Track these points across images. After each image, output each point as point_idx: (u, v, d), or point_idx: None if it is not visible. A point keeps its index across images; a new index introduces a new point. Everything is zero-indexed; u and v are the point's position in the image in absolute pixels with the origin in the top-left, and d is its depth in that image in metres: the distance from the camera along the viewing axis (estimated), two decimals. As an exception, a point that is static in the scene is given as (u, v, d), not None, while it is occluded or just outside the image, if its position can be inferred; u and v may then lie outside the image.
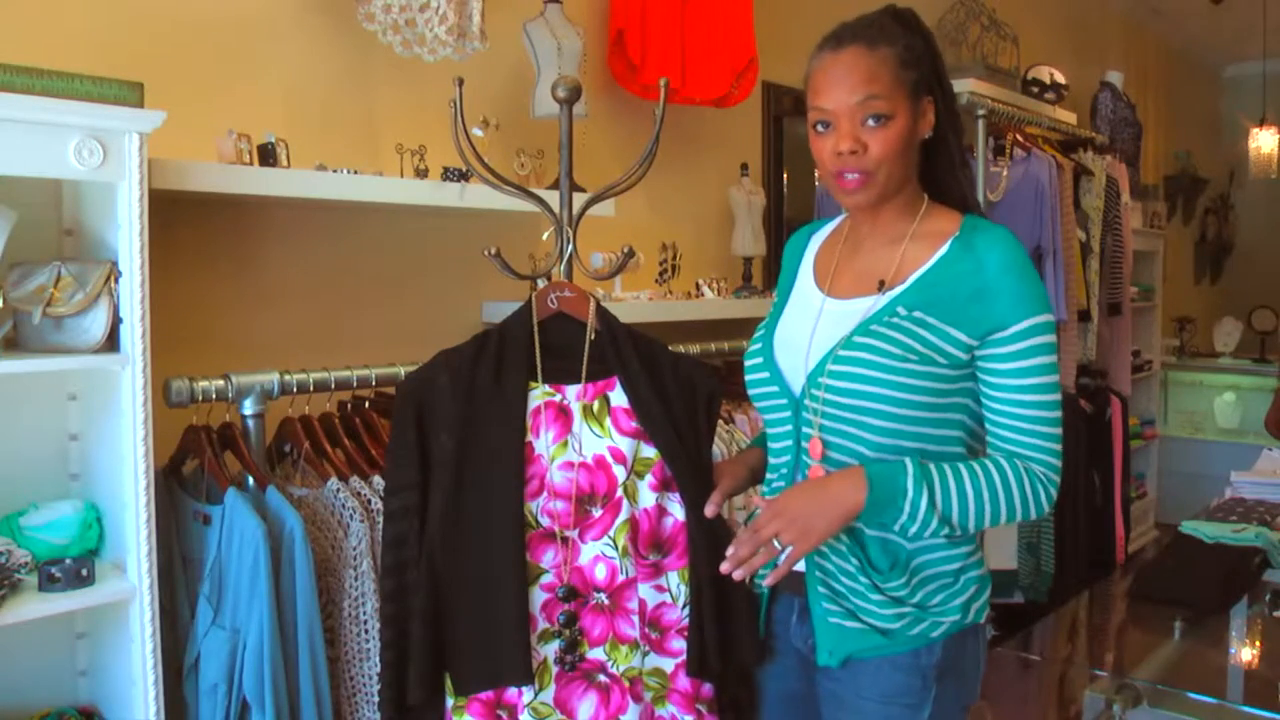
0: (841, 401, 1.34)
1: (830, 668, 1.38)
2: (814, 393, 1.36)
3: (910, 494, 1.28)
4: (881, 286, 1.37)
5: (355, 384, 1.90)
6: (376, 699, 1.68)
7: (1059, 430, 1.34)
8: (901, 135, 1.35)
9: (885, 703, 1.36)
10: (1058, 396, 1.34)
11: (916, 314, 1.33)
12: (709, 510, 1.44)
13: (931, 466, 1.31)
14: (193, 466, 1.78)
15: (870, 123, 1.34)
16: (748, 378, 1.49)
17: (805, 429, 1.39)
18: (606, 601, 1.48)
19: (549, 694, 1.46)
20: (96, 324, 1.53)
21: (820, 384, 1.35)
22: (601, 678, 1.48)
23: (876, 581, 1.34)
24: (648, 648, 1.49)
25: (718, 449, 2.23)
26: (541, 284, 1.59)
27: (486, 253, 1.59)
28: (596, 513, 1.47)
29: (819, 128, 1.38)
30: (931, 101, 1.39)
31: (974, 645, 1.41)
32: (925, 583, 1.36)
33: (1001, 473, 1.32)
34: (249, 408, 1.80)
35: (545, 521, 1.47)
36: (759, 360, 1.47)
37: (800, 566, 1.40)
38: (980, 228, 1.38)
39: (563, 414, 1.49)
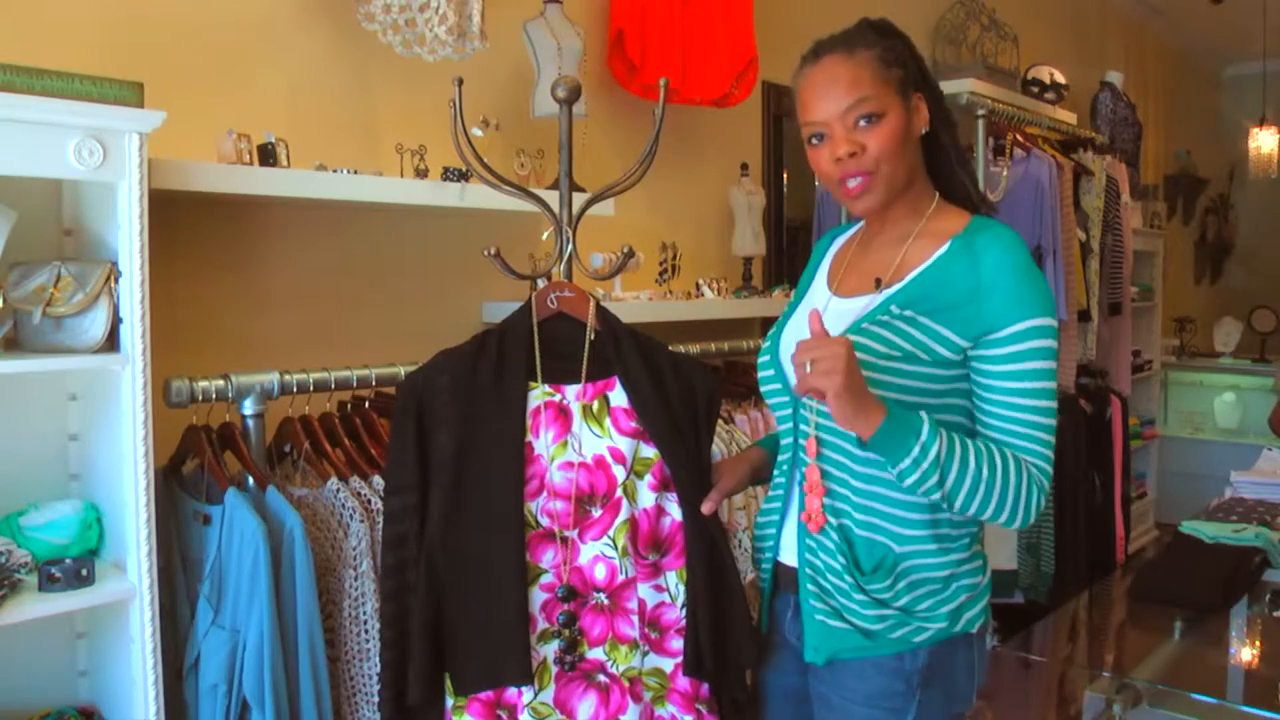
0: None
1: (818, 667, 1.39)
2: None
3: (924, 437, 1.23)
4: (879, 285, 1.38)
5: (355, 384, 1.90)
6: (376, 699, 1.68)
7: (1052, 438, 1.31)
8: (896, 131, 1.35)
9: (869, 706, 1.35)
10: (1053, 404, 1.31)
11: (908, 313, 1.33)
12: (706, 507, 1.44)
13: (944, 431, 1.27)
14: (193, 466, 1.78)
15: (862, 123, 1.35)
16: (758, 375, 1.52)
17: (803, 426, 1.40)
18: (606, 601, 1.48)
19: (549, 694, 1.46)
20: (96, 324, 1.53)
21: None
22: (601, 678, 1.48)
23: (860, 582, 1.34)
24: (647, 647, 1.49)
25: (718, 449, 2.23)
26: (541, 284, 1.59)
27: (486, 253, 1.59)
28: (596, 513, 1.47)
29: (814, 140, 1.40)
30: (923, 98, 1.40)
31: (966, 654, 1.39)
32: (911, 587, 1.35)
33: (1004, 462, 1.28)
34: (249, 408, 1.80)
35: (545, 521, 1.47)
36: (766, 358, 1.50)
37: (794, 563, 1.42)
38: (986, 228, 1.37)
39: (562, 414, 1.49)
